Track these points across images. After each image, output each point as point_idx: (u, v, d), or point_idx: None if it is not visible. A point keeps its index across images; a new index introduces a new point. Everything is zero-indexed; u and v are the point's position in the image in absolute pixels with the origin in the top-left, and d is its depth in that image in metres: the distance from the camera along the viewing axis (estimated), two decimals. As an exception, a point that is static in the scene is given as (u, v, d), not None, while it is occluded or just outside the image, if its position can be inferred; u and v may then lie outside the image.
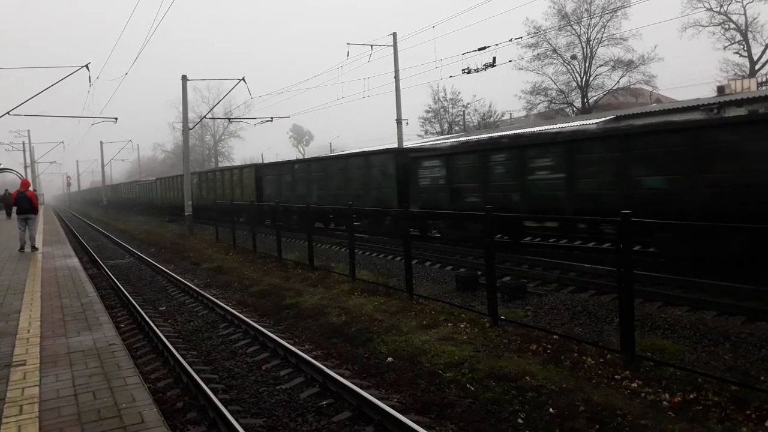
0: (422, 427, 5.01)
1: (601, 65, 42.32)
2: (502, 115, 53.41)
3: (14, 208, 16.48)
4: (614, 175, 11.50)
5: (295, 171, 24.67)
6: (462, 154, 15.88)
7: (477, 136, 23.87)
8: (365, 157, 20.05)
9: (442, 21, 70.58)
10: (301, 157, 34.27)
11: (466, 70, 25.92)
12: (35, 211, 16.03)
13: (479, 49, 23.90)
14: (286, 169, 25.51)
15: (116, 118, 30.86)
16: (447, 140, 27.36)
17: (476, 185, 14.87)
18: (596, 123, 24.58)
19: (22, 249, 15.89)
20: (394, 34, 27.73)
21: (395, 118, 28.23)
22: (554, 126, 25.92)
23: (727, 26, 42.87)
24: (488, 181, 14.54)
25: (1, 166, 49.49)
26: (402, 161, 18.19)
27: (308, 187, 23.17)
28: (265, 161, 42.13)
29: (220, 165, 76.63)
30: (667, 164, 10.63)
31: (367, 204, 18.72)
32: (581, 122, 26.52)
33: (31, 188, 16.93)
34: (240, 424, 5.30)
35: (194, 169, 37.59)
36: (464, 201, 15.13)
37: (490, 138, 18.71)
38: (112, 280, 14.40)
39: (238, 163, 74.67)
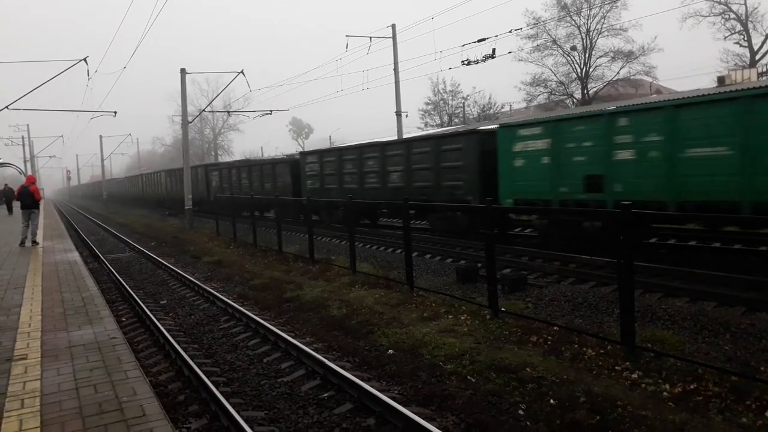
0: (423, 418, 5.02)
1: (600, 56, 42.19)
2: (502, 107, 53.29)
3: (15, 203, 16.56)
4: (261, 183, 26.34)
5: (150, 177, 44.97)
6: (224, 169, 31.68)
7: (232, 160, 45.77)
8: (195, 169, 34.31)
9: (441, 12, 70.33)
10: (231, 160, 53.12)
11: (465, 62, 25.85)
12: (37, 205, 16.13)
13: (479, 41, 23.83)
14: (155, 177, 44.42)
15: (115, 112, 30.86)
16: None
17: (228, 186, 29.72)
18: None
19: (22, 243, 15.90)
20: (393, 26, 27.64)
21: (395, 110, 28.18)
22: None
23: (727, 16, 42.64)
24: (233, 185, 29.43)
25: (1, 161, 49.46)
26: (206, 171, 33.77)
27: (165, 187, 40.51)
28: (265, 155, 44.74)
29: (219, 159, 76.55)
30: (271, 179, 25.62)
31: (195, 197, 29.98)
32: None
33: (35, 184, 16.94)
34: (241, 417, 5.31)
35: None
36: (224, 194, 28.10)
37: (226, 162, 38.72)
38: (113, 274, 14.41)
39: (237, 157, 74.70)
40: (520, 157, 13.39)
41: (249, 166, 28.96)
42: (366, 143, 21.89)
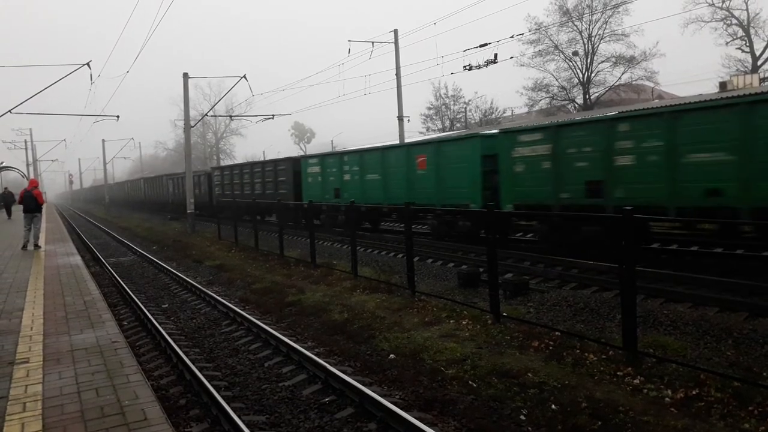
0: (425, 423, 5.02)
1: (602, 61, 42.27)
2: (504, 112, 53.37)
3: (13, 206, 16.56)
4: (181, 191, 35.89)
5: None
6: (166, 178, 41.41)
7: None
8: (161, 178, 44.80)
9: (443, 17, 70.47)
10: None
11: (467, 67, 25.90)
12: (40, 209, 16.15)
13: (480, 46, 23.88)
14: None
15: (118, 116, 30.86)
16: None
17: (172, 191, 38.81)
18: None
19: (25, 247, 15.92)
20: (395, 31, 27.70)
21: (397, 115, 28.22)
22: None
23: (729, 22, 42.71)
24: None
25: (4, 164, 49.54)
26: (165, 180, 42.94)
27: (144, 191, 51.18)
28: (268, 159, 46.39)
29: (222, 163, 76.73)
30: (197, 187, 32.27)
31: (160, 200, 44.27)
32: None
33: (38, 188, 16.93)
34: (243, 421, 5.31)
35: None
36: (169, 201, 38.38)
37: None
38: (115, 277, 14.43)
39: (239, 160, 74.86)
40: (310, 176, 22.47)
41: (182, 177, 40.16)
42: (243, 163, 30.98)
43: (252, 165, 28.90)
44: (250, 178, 27.95)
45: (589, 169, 11.74)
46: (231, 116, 47.89)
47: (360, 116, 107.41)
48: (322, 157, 22.41)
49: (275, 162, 26.39)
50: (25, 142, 60.91)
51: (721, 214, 9.94)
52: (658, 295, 9.24)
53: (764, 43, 41.94)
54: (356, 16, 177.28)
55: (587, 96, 43.06)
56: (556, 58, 43.48)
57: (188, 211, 26.97)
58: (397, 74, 27.78)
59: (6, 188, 35.33)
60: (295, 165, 24.03)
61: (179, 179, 38.69)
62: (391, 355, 7.24)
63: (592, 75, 42.69)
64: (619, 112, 15.09)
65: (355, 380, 6.14)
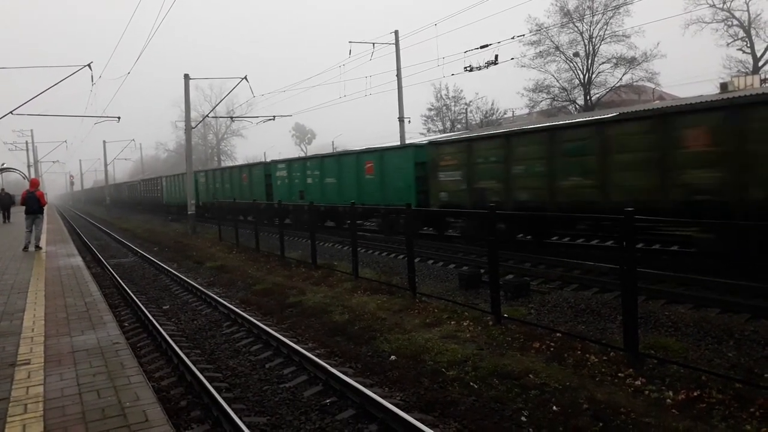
0: (426, 425, 5.01)
1: (603, 62, 42.23)
2: (504, 113, 53.37)
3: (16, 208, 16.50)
4: (133, 195, 59.01)
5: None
6: (122, 185, 68.66)
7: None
8: (122, 184, 65.82)
9: (443, 19, 70.53)
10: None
11: (468, 68, 25.90)
12: (42, 210, 16.13)
13: (481, 47, 23.89)
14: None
15: (119, 118, 30.85)
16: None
17: (124, 195, 62.70)
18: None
19: (26, 248, 15.93)
20: (396, 32, 27.72)
21: (397, 116, 28.22)
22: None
23: (730, 23, 42.72)
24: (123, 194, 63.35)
25: (5, 166, 49.57)
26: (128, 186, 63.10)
27: (112, 194, 63.91)
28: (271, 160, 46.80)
29: (223, 164, 76.76)
30: (138, 192, 56.39)
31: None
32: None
33: (40, 188, 16.88)
34: (243, 423, 5.31)
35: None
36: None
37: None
38: (116, 279, 14.43)
39: (240, 161, 74.95)
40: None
41: (131, 184, 53.60)
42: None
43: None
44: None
45: None
46: (232, 117, 47.76)
47: (361, 117, 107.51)
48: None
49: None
50: (26, 143, 60.90)
51: None
52: (659, 296, 9.23)
53: (765, 44, 41.98)
54: (357, 18, 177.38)
55: (588, 97, 43.04)
56: (556, 59, 43.50)
57: (189, 213, 27.03)
58: (398, 76, 27.79)
59: (3, 189, 34.58)
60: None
61: (127, 186, 40.44)
62: (392, 357, 7.24)
63: (593, 76, 42.67)
64: None
65: (356, 381, 6.13)
